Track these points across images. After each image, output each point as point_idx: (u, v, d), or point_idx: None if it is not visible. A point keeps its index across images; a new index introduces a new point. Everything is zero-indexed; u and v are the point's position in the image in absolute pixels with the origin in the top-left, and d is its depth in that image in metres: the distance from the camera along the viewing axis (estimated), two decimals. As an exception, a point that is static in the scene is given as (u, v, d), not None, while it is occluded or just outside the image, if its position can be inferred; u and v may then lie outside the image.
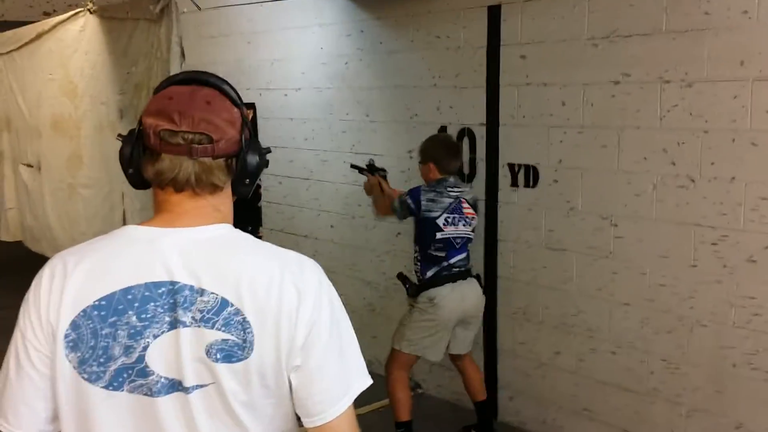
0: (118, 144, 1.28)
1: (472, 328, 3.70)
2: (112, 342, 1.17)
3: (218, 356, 1.17)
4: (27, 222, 5.06)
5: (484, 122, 3.96)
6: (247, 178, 1.27)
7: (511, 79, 3.81)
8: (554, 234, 3.72)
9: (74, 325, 1.17)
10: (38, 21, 4.78)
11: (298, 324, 1.19)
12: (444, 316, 3.52)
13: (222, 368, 1.17)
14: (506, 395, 4.06)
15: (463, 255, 3.59)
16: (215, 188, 1.24)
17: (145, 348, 1.18)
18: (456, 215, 3.52)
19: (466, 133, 4.06)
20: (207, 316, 1.17)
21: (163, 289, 1.17)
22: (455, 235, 3.53)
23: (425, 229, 3.52)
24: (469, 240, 3.61)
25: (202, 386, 1.19)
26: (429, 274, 3.54)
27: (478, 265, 3.97)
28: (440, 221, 3.49)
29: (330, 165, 4.98)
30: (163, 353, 1.18)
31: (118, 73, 3.73)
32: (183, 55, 3.22)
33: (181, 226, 1.21)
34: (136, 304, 1.17)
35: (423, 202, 3.48)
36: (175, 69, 3.18)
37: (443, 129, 4.17)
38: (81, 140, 4.14)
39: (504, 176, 3.90)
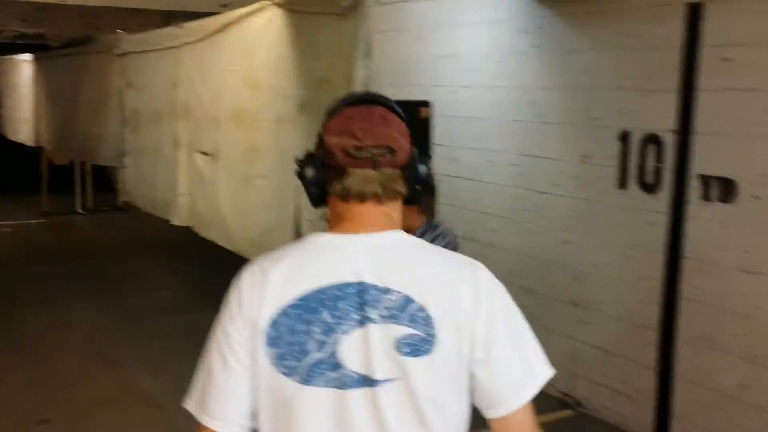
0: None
1: None
2: (307, 338, 1.26)
3: (405, 350, 1.25)
4: (198, 208, 5.27)
5: (675, 129, 3.67)
6: (419, 184, 1.37)
7: (711, 83, 3.50)
8: (751, 256, 3.39)
9: (274, 324, 1.27)
10: (217, 12, 4.96)
11: (477, 319, 1.27)
12: None
13: (409, 362, 1.25)
14: (681, 427, 3.76)
15: None
16: (395, 196, 1.34)
17: (337, 344, 1.26)
18: None
19: (653, 139, 3.79)
20: (393, 312, 1.26)
21: (352, 289, 1.27)
22: None
23: None
24: None
25: (390, 380, 1.26)
26: None
27: (655, 283, 3.70)
28: None
29: (495, 166, 4.83)
30: (354, 348, 1.26)
31: (300, 68, 3.77)
32: (369, 52, 3.19)
33: (363, 232, 1.32)
34: (329, 303, 1.27)
35: None
36: (359, 66, 3.16)
37: (624, 134, 3.92)
38: (259, 132, 4.24)
39: (694, 189, 3.60)
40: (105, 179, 10.68)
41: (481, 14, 4.82)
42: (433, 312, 1.26)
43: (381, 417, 1.26)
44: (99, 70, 7.54)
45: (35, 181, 11.00)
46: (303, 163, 1.37)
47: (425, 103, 5.14)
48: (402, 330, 1.25)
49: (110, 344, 5.31)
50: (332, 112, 1.35)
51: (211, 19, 4.91)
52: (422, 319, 1.26)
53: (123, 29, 9.00)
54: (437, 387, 1.27)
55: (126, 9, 8.47)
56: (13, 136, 11.74)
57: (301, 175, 1.36)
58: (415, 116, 5.07)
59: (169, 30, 5.94)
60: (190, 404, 1.34)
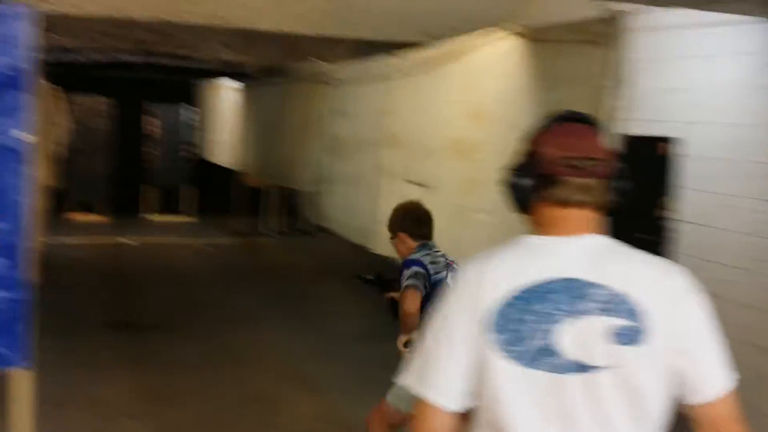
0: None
1: None
2: (529, 327, 1.39)
3: (619, 340, 1.38)
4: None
5: None
6: (621, 196, 1.50)
7: None
8: None
9: (500, 314, 1.40)
10: (422, 42, 4.91)
11: (683, 313, 1.41)
12: None
13: (623, 350, 1.37)
14: None
15: None
16: (600, 204, 1.47)
17: (554, 333, 1.39)
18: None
19: None
20: (605, 306, 1.39)
21: (567, 284, 1.41)
22: None
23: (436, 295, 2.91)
24: None
25: (604, 368, 1.38)
26: None
27: None
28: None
29: (731, 211, 4.37)
30: (570, 337, 1.39)
31: (535, 98, 3.60)
32: (621, 81, 2.94)
33: (572, 234, 1.45)
34: (548, 296, 1.40)
35: (428, 266, 3.17)
36: (609, 96, 2.92)
37: None
38: (480, 164, 4.11)
39: None
40: (291, 203, 11.11)
41: (735, 45, 4.41)
42: (644, 306, 1.39)
43: (595, 402, 1.38)
44: (303, 98, 7.83)
45: (225, 201, 11.66)
46: (517, 172, 1.49)
47: (665, 140, 4.77)
48: (616, 321, 1.38)
49: (308, 368, 5.34)
50: (544, 128, 1.51)
51: (428, 49, 4.87)
52: (633, 312, 1.38)
53: (321, 58, 9.35)
54: (648, 374, 1.39)
55: (326, 38, 8.80)
56: (212, 158, 12.55)
57: (511, 183, 1.50)
58: (653, 152, 4.71)
59: (380, 59, 6.00)
60: (409, 379, 1.48)
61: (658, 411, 1.42)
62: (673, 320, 1.39)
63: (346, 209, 6.50)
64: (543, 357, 1.39)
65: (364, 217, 5.91)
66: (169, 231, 11.46)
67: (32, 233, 2.94)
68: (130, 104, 12.73)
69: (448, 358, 1.44)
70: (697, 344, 1.42)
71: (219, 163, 12.06)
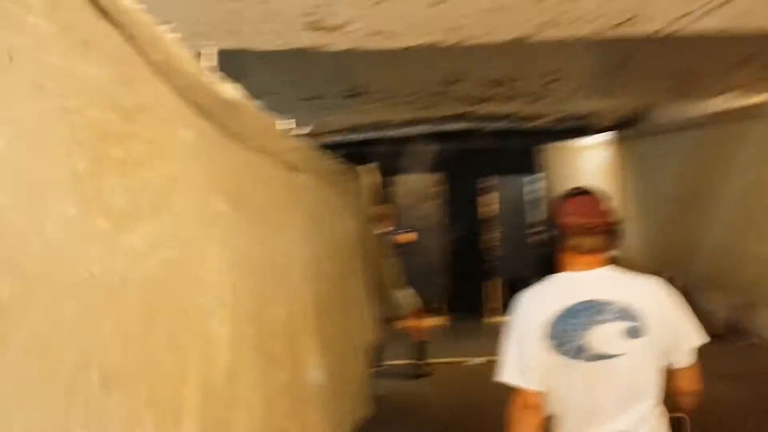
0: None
1: None
2: (571, 334, 2.36)
3: (630, 335, 2.36)
4: None
5: None
6: (618, 241, 2.49)
7: None
8: None
9: (553, 324, 2.37)
10: None
11: (666, 312, 2.43)
12: None
13: (633, 342, 2.36)
14: None
15: None
16: (606, 249, 2.46)
17: (587, 335, 2.36)
18: None
19: None
20: (619, 314, 2.36)
21: (591, 304, 2.38)
22: None
23: None
24: None
25: (621, 355, 2.36)
26: None
27: None
28: None
29: None
30: (598, 337, 2.36)
31: None
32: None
33: (589, 269, 2.45)
34: (582, 311, 2.37)
35: None
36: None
37: None
38: None
39: None
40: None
41: None
42: (644, 311, 2.36)
43: (614, 378, 2.37)
44: (725, 148, 4.74)
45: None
46: (549, 242, 2.53)
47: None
48: (626, 324, 2.36)
49: None
50: (562, 201, 2.55)
51: None
52: (636, 316, 2.35)
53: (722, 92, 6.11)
54: (647, 355, 2.38)
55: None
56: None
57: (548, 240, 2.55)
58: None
59: None
60: (505, 376, 2.45)
61: (654, 378, 2.42)
62: (661, 317, 2.40)
63: None
64: (580, 351, 2.37)
65: None
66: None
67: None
68: (461, 180, 10.62)
69: (529, 358, 2.41)
70: (676, 324, 2.44)
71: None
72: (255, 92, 2.71)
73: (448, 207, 10.42)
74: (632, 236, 7.23)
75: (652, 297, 2.42)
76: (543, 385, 2.41)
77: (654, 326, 2.35)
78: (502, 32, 3.37)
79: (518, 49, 3.80)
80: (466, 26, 3.26)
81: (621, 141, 7.67)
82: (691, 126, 5.66)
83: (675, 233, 6.03)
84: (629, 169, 7.44)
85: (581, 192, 2.51)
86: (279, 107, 3.58)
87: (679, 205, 6.16)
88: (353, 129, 8.74)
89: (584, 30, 3.36)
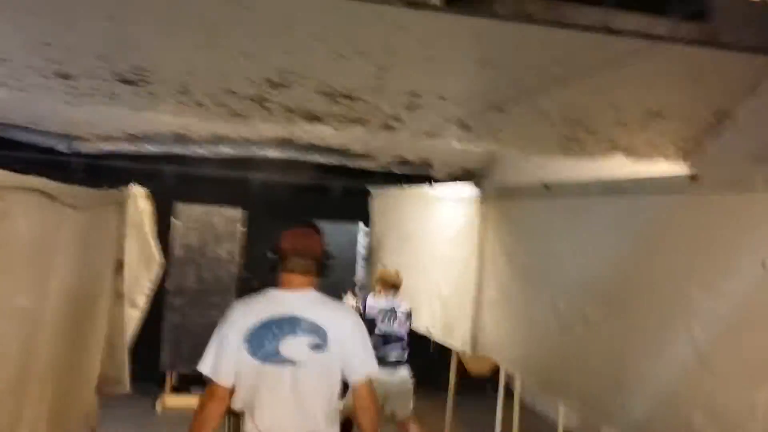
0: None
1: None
2: (268, 340, 3.03)
3: (313, 348, 3.05)
4: None
5: None
6: (325, 269, 3.24)
7: None
8: None
9: (250, 331, 3.05)
10: None
11: (347, 335, 3.13)
12: None
13: (315, 354, 3.05)
14: None
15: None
16: (313, 273, 3.18)
17: (279, 343, 3.04)
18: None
19: None
20: (308, 330, 3.06)
21: (291, 319, 3.06)
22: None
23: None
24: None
25: (304, 363, 3.05)
26: None
27: None
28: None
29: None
30: (287, 346, 3.04)
31: None
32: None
33: (295, 289, 3.15)
34: (281, 323, 3.06)
35: None
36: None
37: None
38: None
39: None
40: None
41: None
42: (328, 330, 3.07)
43: (298, 382, 3.04)
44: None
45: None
46: (273, 258, 3.21)
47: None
48: (312, 339, 3.06)
49: None
50: (286, 232, 3.21)
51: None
52: (323, 334, 3.06)
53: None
54: (328, 367, 3.08)
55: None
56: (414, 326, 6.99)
57: (269, 260, 3.25)
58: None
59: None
60: (204, 368, 3.09)
61: (333, 386, 3.11)
62: (341, 337, 3.10)
63: None
64: (272, 357, 3.03)
65: None
66: None
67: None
68: (270, 220, 8.10)
69: (225, 356, 3.06)
70: (351, 348, 3.13)
71: (425, 334, 6.76)
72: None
73: (249, 251, 8.09)
74: (496, 334, 5.25)
75: (339, 321, 3.16)
76: (232, 382, 3.09)
77: (334, 345, 3.10)
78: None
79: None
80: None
81: (483, 199, 5.75)
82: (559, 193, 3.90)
83: (519, 327, 4.20)
84: (490, 237, 5.52)
85: (303, 223, 3.30)
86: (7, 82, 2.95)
87: (524, 294, 4.38)
88: (133, 138, 6.20)
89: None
